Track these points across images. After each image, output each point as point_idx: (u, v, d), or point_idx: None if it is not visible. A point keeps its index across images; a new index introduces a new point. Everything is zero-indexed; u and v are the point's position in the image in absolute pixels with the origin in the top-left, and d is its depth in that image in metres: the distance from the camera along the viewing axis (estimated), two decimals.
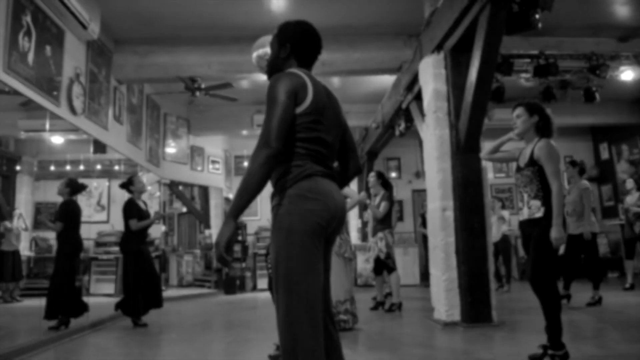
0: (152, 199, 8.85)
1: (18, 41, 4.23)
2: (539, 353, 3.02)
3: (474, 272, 4.46)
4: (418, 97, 5.72)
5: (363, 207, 7.88)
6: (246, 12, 5.81)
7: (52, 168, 7.64)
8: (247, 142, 10.77)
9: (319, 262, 1.66)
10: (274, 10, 5.71)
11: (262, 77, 5.11)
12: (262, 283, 9.65)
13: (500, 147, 3.51)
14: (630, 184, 7.16)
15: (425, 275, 7.88)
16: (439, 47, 4.88)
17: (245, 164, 10.35)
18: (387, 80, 7.25)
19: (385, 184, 5.95)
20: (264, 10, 5.69)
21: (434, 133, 4.86)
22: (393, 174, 11.10)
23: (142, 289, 5.18)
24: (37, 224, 7.37)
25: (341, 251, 4.55)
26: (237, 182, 10.11)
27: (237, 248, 9.79)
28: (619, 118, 9.60)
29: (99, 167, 8.10)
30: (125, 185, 5.46)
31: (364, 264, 9.41)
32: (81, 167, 7.91)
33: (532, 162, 3.06)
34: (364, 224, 9.26)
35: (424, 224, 8.68)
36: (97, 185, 8.47)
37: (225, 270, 9.51)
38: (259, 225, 10.50)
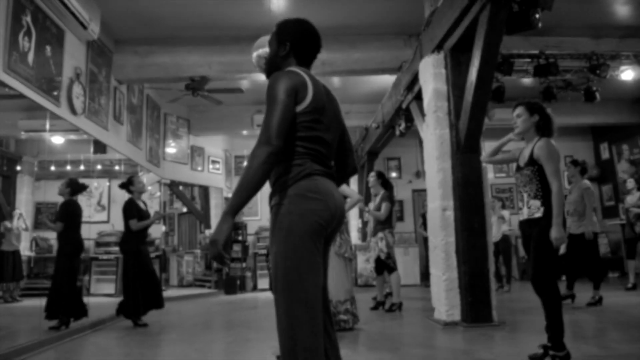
0: (152, 199, 8.85)
1: (18, 41, 4.24)
2: (539, 353, 3.01)
3: (474, 272, 4.46)
4: (418, 97, 5.71)
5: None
6: (246, 12, 5.82)
7: (53, 168, 7.63)
8: (248, 142, 10.77)
9: (319, 262, 1.65)
10: (274, 10, 5.71)
11: (262, 77, 5.10)
12: (263, 283, 9.66)
13: (500, 149, 3.51)
14: (631, 183, 7.17)
15: (425, 275, 7.87)
16: (439, 47, 4.88)
17: (246, 164, 10.28)
18: (387, 80, 7.24)
19: (386, 183, 5.94)
20: (264, 10, 5.69)
21: (434, 133, 4.86)
22: (393, 174, 11.09)
23: (142, 289, 5.19)
24: (38, 224, 7.37)
25: (341, 251, 4.55)
26: (237, 182, 10.06)
27: (237, 248, 9.79)
28: (619, 118, 9.59)
29: (99, 167, 8.08)
30: (125, 186, 5.46)
31: (364, 264, 9.42)
32: (81, 167, 7.89)
33: (532, 161, 3.06)
34: (364, 224, 9.27)
35: (424, 224, 8.67)
36: (97, 185, 8.46)
37: (225, 270, 9.50)
38: (259, 225, 10.52)
